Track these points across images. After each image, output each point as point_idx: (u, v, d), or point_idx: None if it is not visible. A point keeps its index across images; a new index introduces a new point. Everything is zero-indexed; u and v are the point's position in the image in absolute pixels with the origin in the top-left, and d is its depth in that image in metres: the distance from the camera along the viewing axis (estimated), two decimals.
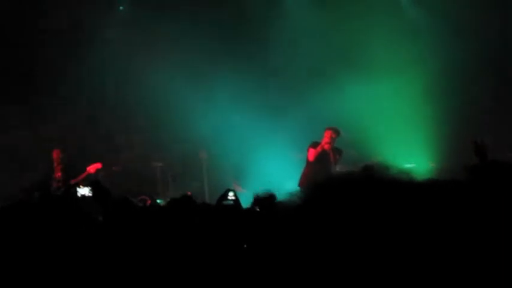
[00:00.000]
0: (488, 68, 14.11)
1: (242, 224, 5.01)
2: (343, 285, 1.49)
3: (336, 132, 12.19)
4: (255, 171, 14.02)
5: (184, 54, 14.29)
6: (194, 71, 14.47)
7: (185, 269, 4.24)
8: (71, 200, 6.65)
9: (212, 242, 4.74)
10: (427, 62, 13.90)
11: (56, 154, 12.48)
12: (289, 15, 14.96)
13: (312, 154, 12.17)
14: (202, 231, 4.91)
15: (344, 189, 1.61)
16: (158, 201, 12.86)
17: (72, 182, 11.74)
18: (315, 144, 12.20)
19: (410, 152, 12.95)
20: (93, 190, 6.99)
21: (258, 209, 5.65)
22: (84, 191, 7.20)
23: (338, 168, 12.15)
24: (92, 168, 12.25)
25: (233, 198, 7.08)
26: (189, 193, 7.21)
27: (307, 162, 12.33)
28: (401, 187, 1.56)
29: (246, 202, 7.14)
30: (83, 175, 12.09)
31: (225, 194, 7.11)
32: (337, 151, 12.25)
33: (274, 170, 14.02)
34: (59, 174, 12.36)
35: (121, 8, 15.53)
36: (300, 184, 12.27)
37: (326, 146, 12.09)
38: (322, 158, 12.05)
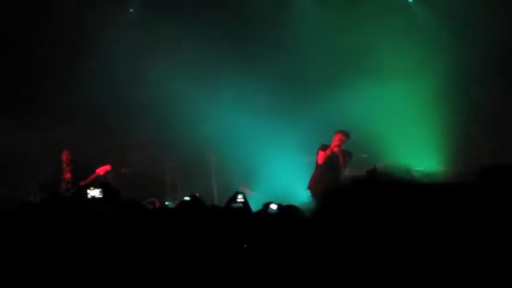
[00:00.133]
0: (496, 69, 14.06)
1: (252, 226, 5.01)
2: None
3: (346, 135, 12.15)
4: (263, 174, 14.03)
5: (194, 56, 14.30)
6: (203, 73, 14.48)
7: (194, 271, 4.25)
8: (80, 201, 6.67)
9: (221, 244, 4.74)
10: (436, 64, 13.86)
11: (65, 155, 12.51)
12: (299, 17, 14.95)
13: (321, 157, 12.14)
14: (211, 234, 4.91)
15: (351, 197, 1.61)
16: (167, 203, 12.87)
17: (82, 183, 11.77)
18: (324, 147, 12.16)
19: (420, 155, 12.92)
20: (103, 192, 7.00)
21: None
22: (94, 192, 7.20)
23: (347, 172, 12.13)
24: (101, 170, 12.27)
25: (242, 200, 7.08)
26: (197, 194, 7.20)
27: (316, 165, 12.30)
28: (410, 190, 1.57)
29: (254, 204, 7.14)
30: (92, 177, 12.11)
31: (234, 197, 7.10)
32: (346, 154, 12.21)
33: (282, 173, 14.02)
34: (68, 175, 12.39)
35: (131, 10, 15.57)
36: (309, 187, 12.25)
37: (335, 149, 12.05)
38: (331, 160, 12.02)
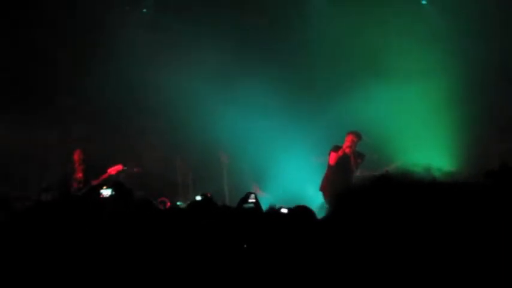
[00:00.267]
0: (510, 70, 13.99)
1: (263, 227, 5.01)
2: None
3: (358, 136, 12.13)
4: (275, 175, 14.02)
5: (207, 56, 14.30)
6: (215, 73, 14.48)
7: (204, 271, 4.25)
8: (92, 200, 6.69)
9: (231, 244, 4.74)
10: (449, 65, 13.81)
11: (77, 155, 12.55)
12: (312, 19, 14.93)
13: (333, 158, 12.12)
14: (220, 234, 4.92)
15: (369, 196, 1.61)
16: (178, 203, 12.89)
17: (94, 183, 11.79)
18: (336, 148, 12.15)
19: (431, 156, 12.87)
20: (115, 191, 7.01)
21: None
22: (106, 192, 7.20)
23: (359, 173, 12.11)
24: (113, 170, 12.29)
25: (254, 201, 7.07)
26: (208, 194, 7.21)
27: (328, 166, 12.28)
28: (432, 189, 1.56)
29: (266, 205, 7.15)
30: (104, 176, 12.14)
31: (246, 197, 7.10)
32: (358, 155, 12.19)
33: (294, 174, 14.02)
34: (80, 174, 12.42)
35: (144, 10, 15.61)
36: (321, 188, 12.24)
37: (347, 150, 12.03)
38: (344, 162, 12.00)
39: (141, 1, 15.67)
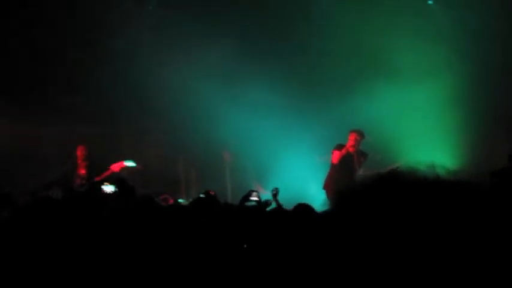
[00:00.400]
0: None
1: (267, 224, 5.01)
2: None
3: (361, 134, 12.12)
4: (278, 173, 14.01)
5: (210, 56, 14.29)
6: (218, 72, 14.46)
7: (205, 268, 4.25)
8: (94, 197, 6.69)
9: (234, 241, 4.74)
10: (454, 65, 13.78)
11: (80, 151, 12.55)
12: (316, 18, 14.89)
13: (336, 156, 12.12)
14: (223, 231, 4.92)
15: (373, 193, 1.60)
16: (180, 200, 12.89)
17: (96, 179, 11.79)
18: (339, 147, 12.14)
19: (436, 156, 12.84)
20: (118, 188, 7.02)
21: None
22: (108, 188, 7.21)
23: (362, 171, 12.09)
24: (116, 167, 12.29)
25: (256, 199, 7.08)
26: (212, 192, 7.21)
27: (332, 164, 12.28)
28: (436, 187, 1.56)
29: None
30: (107, 173, 12.14)
31: (248, 195, 7.11)
32: (362, 154, 12.19)
33: (297, 172, 14.01)
34: (82, 171, 12.43)
35: (151, 7, 15.59)
36: (325, 187, 12.24)
37: (351, 149, 12.04)
38: (347, 160, 12.00)
39: (144, 0, 15.65)
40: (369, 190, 1.63)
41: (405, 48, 13.79)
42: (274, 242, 4.44)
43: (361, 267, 1.52)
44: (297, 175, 13.95)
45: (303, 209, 5.43)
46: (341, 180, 11.51)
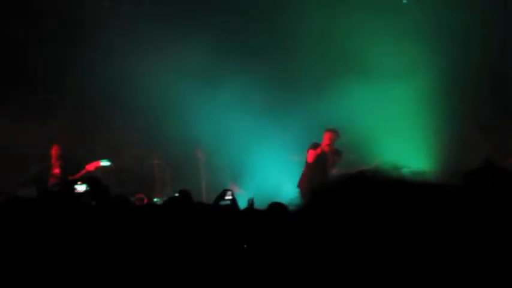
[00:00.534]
0: (490, 69, 14.04)
1: (240, 224, 5.02)
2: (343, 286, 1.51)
3: (336, 133, 12.19)
4: (252, 172, 14.03)
5: (183, 53, 14.24)
6: (193, 70, 14.43)
7: (183, 268, 4.25)
8: (68, 196, 6.66)
9: (210, 241, 4.74)
10: (429, 65, 13.83)
11: (54, 150, 12.48)
12: (292, 18, 14.91)
13: (311, 155, 12.18)
14: (199, 231, 4.91)
15: (341, 194, 1.61)
16: (155, 199, 12.88)
17: (70, 178, 11.72)
18: (314, 146, 12.20)
19: (412, 156, 12.91)
20: (91, 187, 6.99)
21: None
22: (81, 187, 7.18)
23: (336, 171, 12.14)
24: (91, 166, 12.24)
25: (230, 198, 7.08)
26: (187, 191, 7.19)
27: (306, 163, 12.33)
28: (397, 188, 1.57)
29: (243, 203, 7.15)
30: (82, 172, 12.08)
31: (223, 194, 7.11)
32: (336, 152, 12.25)
33: (272, 171, 14.03)
34: (57, 170, 12.36)
35: (125, 8, 15.49)
36: (300, 185, 12.28)
37: (326, 148, 12.10)
38: (321, 159, 12.05)
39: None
40: (338, 190, 1.64)
41: (380, 47, 13.84)
42: (247, 241, 4.45)
43: (332, 267, 1.53)
44: (272, 174, 13.97)
45: (277, 209, 5.44)
46: (315, 179, 11.55)
